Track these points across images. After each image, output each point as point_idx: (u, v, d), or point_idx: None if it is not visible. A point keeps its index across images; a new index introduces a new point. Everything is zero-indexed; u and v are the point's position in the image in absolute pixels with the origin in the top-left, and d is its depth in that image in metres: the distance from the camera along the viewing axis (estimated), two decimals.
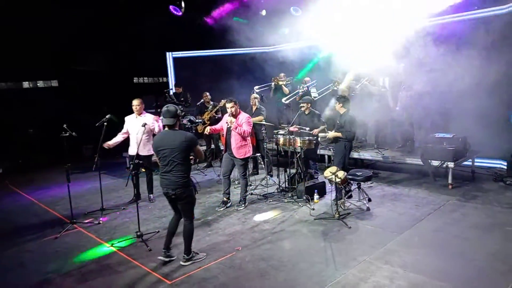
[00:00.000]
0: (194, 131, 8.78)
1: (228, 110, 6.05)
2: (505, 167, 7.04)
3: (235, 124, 5.92)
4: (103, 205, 6.25)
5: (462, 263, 4.08)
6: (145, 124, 5.96)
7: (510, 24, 7.08)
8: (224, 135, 6.25)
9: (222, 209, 6.17)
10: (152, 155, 6.19)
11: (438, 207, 5.80)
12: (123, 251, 4.83)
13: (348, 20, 7.01)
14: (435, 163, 6.86)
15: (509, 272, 3.83)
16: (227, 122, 6.05)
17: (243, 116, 6.12)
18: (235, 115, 6.03)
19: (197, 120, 7.90)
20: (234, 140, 6.02)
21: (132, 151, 6.49)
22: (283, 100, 8.93)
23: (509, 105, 7.36)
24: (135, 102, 6.46)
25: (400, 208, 5.86)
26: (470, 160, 7.40)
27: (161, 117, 4.39)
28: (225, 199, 6.28)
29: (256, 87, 8.97)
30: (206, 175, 8.67)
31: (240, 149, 6.06)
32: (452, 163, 6.62)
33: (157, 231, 5.35)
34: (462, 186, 6.79)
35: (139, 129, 6.19)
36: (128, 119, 6.56)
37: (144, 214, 6.10)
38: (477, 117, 7.14)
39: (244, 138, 6.04)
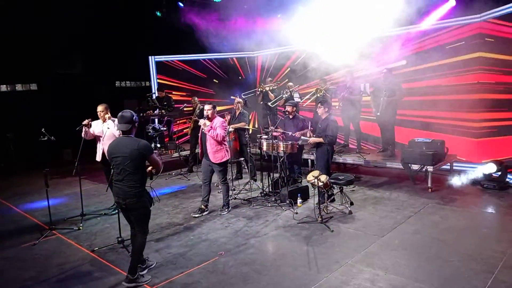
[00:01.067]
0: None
1: (205, 113, 6.00)
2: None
3: (208, 126, 5.87)
4: (83, 210, 6.13)
5: (440, 264, 4.18)
6: (108, 128, 5.88)
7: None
8: (200, 140, 6.18)
9: (197, 216, 6.06)
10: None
11: (418, 210, 5.92)
12: (104, 257, 4.74)
13: (328, 26, 7.13)
14: (415, 167, 7.02)
15: (485, 272, 3.94)
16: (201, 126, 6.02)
17: (218, 120, 6.03)
18: (210, 119, 5.96)
19: (161, 128, 7.35)
20: (210, 145, 5.94)
21: (98, 157, 6.29)
22: (270, 104, 9.01)
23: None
24: (99, 108, 6.15)
25: (381, 211, 5.96)
26: (449, 164, 7.59)
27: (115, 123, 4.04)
28: (203, 206, 6.18)
29: (243, 94, 9.01)
30: (189, 179, 8.61)
31: (216, 153, 5.95)
32: (431, 167, 6.78)
33: None
34: (441, 189, 6.96)
35: (104, 135, 6.09)
36: (94, 124, 6.21)
37: (125, 220, 5.99)
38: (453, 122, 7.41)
39: (219, 142, 5.94)
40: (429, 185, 6.87)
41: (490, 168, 6.84)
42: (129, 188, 3.92)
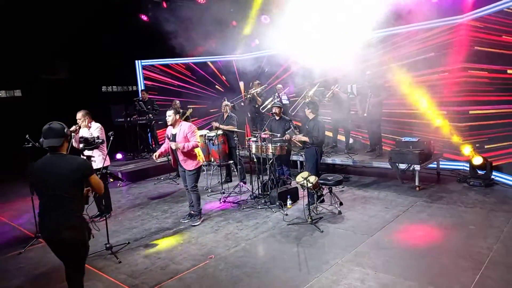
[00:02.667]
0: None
1: (166, 119, 5.71)
2: (468, 169, 7.34)
3: (180, 146, 5.54)
4: None
5: (429, 262, 4.22)
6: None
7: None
8: (170, 148, 5.82)
9: (186, 221, 5.97)
10: (98, 169, 5.45)
11: (406, 208, 5.98)
12: (91, 264, 4.66)
13: (314, 29, 7.19)
14: (403, 166, 7.09)
15: (472, 268, 3.99)
16: (168, 139, 5.77)
17: (185, 126, 5.66)
18: (173, 125, 5.70)
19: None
20: (179, 154, 5.67)
21: None
22: (261, 108, 9.00)
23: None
24: (77, 116, 6.03)
25: (370, 210, 6.00)
26: (435, 162, 7.69)
27: (41, 139, 3.33)
28: (192, 211, 6.08)
29: (229, 100, 8.97)
30: (178, 184, 8.55)
31: (188, 161, 5.70)
32: (419, 166, 6.86)
33: (127, 242, 5.22)
34: (428, 187, 7.04)
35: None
36: (81, 131, 6.12)
37: (114, 226, 5.94)
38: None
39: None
40: (417, 183, 6.94)
41: (478, 160, 6.97)
42: (66, 218, 3.13)
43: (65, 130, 3.24)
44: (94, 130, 6.02)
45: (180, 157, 5.68)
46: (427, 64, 7.98)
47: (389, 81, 8.08)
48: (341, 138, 9.03)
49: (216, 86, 11.63)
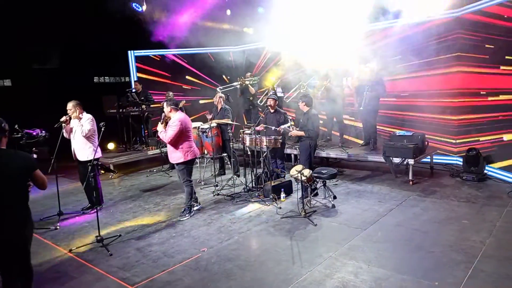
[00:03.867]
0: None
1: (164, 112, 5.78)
2: (461, 163, 7.36)
3: (159, 128, 5.66)
4: (60, 209, 5.94)
5: (422, 255, 4.22)
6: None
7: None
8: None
9: (199, 206, 6.10)
10: (89, 161, 5.62)
11: (399, 202, 5.98)
12: (82, 257, 4.60)
13: (311, 21, 7.10)
14: (396, 160, 7.08)
15: (465, 262, 3.99)
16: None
17: (174, 118, 5.62)
18: (166, 120, 5.70)
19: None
20: (168, 145, 5.72)
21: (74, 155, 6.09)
22: (258, 101, 8.92)
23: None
24: (68, 106, 5.92)
25: (364, 204, 5.99)
26: (429, 156, 7.70)
27: None
28: (193, 202, 6.04)
29: (220, 87, 8.88)
30: (171, 176, 8.48)
31: (173, 153, 5.67)
32: (412, 160, 6.85)
33: (118, 235, 5.15)
34: (422, 182, 7.05)
35: (73, 133, 5.93)
36: (72, 122, 6.03)
37: (105, 218, 5.87)
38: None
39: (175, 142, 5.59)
40: (410, 177, 6.95)
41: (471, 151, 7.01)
42: (12, 217, 3.02)
43: (3, 125, 3.15)
44: (85, 121, 5.91)
45: (168, 148, 5.72)
46: (423, 57, 7.95)
47: (386, 75, 8.03)
48: (336, 133, 9.00)
49: (209, 78, 11.50)
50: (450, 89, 7.80)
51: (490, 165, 7.03)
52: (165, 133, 5.57)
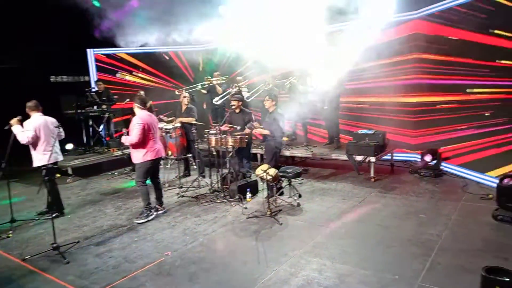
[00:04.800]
0: None
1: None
2: (419, 160, 7.66)
3: (123, 138, 5.56)
4: (13, 216, 5.59)
5: (383, 250, 4.33)
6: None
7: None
8: None
9: (161, 211, 5.93)
10: (40, 167, 5.47)
11: (362, 199, 6.13)
12: (36, 265, 4.34)
13: (272, 22, 7.12)
14: (359, 158, 7.25)
15: (423, 255, 4.14)
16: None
17: (136, 117, 5.51)
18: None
19: None
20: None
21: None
22: (214, 101, 8.84)
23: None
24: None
25: (328, 202, 6.08)
26: (390, 154, 7.96)
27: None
28: (156, 205, 5.91)
29: (186, 88, 8.75)
30: (133, 178, 8.19)
31: (134, 153, 5.56)
32: (374, 158, 7.05)
33: (76, 241, 4.91)
34: (383, 178, 7.27)
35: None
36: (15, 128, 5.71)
37: (62, 224, 5.59)
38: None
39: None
40: (372, 175, 7.14)
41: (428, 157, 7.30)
42: None
43: None
44: (27, 123, 5.61)
45: (130, 147, 5.62)
46: (381, 57, 8.20)
47: (345, 75, 8.21)
48: (300, 132, 9.10)
49: (173, 78, 11.29)
50: (408, 86, 8.10)
51: (447, 162, 7.37)
52: (127, 137, 5.43)
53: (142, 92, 8.96)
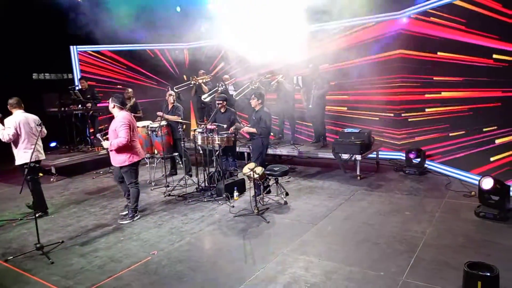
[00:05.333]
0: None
1: (110, 108, 5.39)
2: (404, 158, 7.78)
3: (106, 144, 5.25)
4: None
5: (369, 247, 4.39)
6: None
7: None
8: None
9: (125, 213, 5.68)
10: (22, 165, 5.44)
11: (348, 197, 6.19)
12: (19, 266, 4.25)
13: (259, 20, 7.12)
14: (345, 156, 7.33)
15: (408, 252, 4.22)
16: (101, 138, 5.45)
17: (119, 117, 5.28)
18: (114, 115, 5.39)
19: None
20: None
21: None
22: (202, 97, 8.80)
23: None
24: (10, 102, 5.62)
25: (315, 200, 6.13)
26: (375, 152, 8.06)
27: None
28: (128, 203, 5.73)
29: (175, 87, 8.69)
30: None
31: (116, 156, 5.33)
32: (360, 156, 7.13)
33: (61, 241, 4.82)
34: (369, 176, 7.36)
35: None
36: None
37: (46, 224, 5.49)
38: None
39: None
40: (358, 173, 7.22)
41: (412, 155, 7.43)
42: None
43: None
44: (8, 121, 5.50)
45: (109, 151, 5.37)
46: (365, 56, 8.32)
47: (330, 74, 8.29)
48: (287, 131, 9.14)
49: (159, 76, 11.19)
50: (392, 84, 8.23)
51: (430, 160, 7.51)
52: (114, 140, 5.19)
53: (130, 90, 8.85)
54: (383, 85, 8.32)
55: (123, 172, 5.45)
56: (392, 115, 8.38)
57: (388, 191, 6.43)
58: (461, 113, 6.73)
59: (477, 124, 6.34)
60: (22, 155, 5.51)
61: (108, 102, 5.41)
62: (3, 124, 5.52)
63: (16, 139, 5.50)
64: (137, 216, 5.61)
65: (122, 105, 5.45)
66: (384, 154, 8.50)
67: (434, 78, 7.26)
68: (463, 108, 6.70)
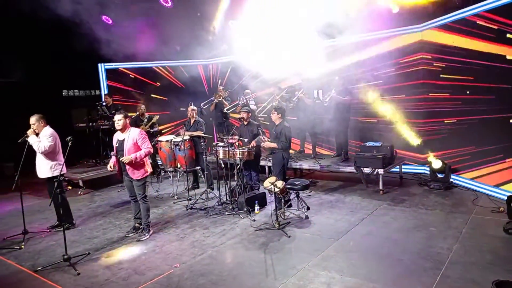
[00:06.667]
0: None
1: (116, 124, 5.37)
2: (428, 172, 7.61)
3: (131, 157, 5.20)
4: (25, 228, 5.68)
5: (392, 263, 4.30)
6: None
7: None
8: (116, 156, 5.46)
9: (131, 235, 5.62)
10: (52, 177, 5.54)
11: (370, 212, 6.10)
12: (48, 277, 4.40)
13: (279, 35, 7.26)
14: (367, 170, 7.24)
15: (433, 269, 4.11)
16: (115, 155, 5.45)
17: (135, 132, 5.37)
18: (123, 130, 5.38)
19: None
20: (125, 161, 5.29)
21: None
22: (226, 109, 8.97)
23: None
24: (31, 120, 5.71)
25: (336, 214, 6.07)
26: (398, 166, 7.93)
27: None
28: (136, 224, 5.73)
29: (202, 104, 8.88)
30: None
31: (136, 170, 5.34)
32: (382, 170, 7.04)
33: (87, 253, 4.97)
34: (392, 191, 7.23)
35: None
36: (31, 138, 5.77)
37: (73, 236, 5.67)
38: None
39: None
40: (381, 187, 7.12)
41: (437, 164, 7.24)
42: None
43: None
44: (43, 137, 5.69)
45: (127, 165, 5.32)
46: (389, 70, 8.26)
47: (354, 87, 8.29)
48: (308, 145, 9.13)
49: (182, 91, 11.45)
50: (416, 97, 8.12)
51: (456, 174, 7.31)
52: (139, 152, 5.28)
53: (143, 107, 9.12)
54: (407, 96, 8.22)
55: (138, 186, 5.42)
56: (415, 127, 8.23)
57: (412, 206, 6.30)
58: (489, 126, 6.54)
59: (506, 138, 6.14)
60: (54, 168, 5.72)
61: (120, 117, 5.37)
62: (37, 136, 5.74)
63: (51, 152, 5.71)
64: (151, 231, 5.66)
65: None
66: (408, 168, 8.34)
67: (467, 92, 7.07)
68: (491, 119, 6.49)
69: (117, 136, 5.49)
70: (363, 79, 8.43)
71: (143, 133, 5.45)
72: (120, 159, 5.28)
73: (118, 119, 5.34)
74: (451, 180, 7.23)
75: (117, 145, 5.46)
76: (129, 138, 5.34)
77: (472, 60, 6.69)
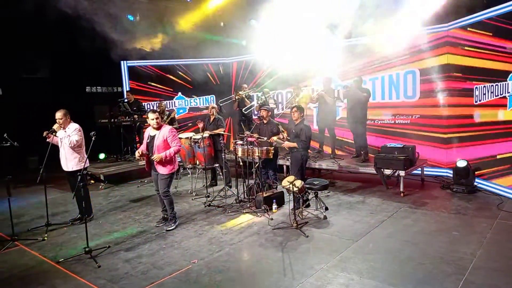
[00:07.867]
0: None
1: (150, 122, 5.51)
2: (451, 175, 7.42)
3: (162, 156, 5.36)
4: (48, 220, 5.83)
5: (413, 267, 4.21)
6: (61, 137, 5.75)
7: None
8: (147, 150, 5.61)
9: (161, 225, 5.83)
10: (76, 171, 5.71)
11: (391, 214, 5.99)
12: (69, 268, 4.50)
13: (299, 35, 7.21)
14: (388, 172, 7.11)
15: (456, 274, 4.00)
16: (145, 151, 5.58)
17: (165, 130, 5.52)
18: (157, 128, 5.54)
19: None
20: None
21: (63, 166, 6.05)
22: (244, 109, 8.99)
23: None
24: (57, 115, 5.83)
25: (356, 216, 5.99)
26: (420, 168, 7.76)
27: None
28: (165, 215, 5.93)
29: (220, 101, 8.96)
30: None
31: (165, 165, 5.49)
32: (403, 172, 6.89)
33: (107, 246, 5.06)
34: (413, 193, 7.08)
35: (61, 143, 5.88)
36: (58, 133, 5.98)
37: (94, 229, 5.78)
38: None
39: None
40: (401, 189, 6.98)
41: (462, 163, 7.03)
42: None
43: None
44: (71, 131, 5.85)
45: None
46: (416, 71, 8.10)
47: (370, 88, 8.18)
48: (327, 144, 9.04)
49: (201, 89, 11.52)
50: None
51: (480, 178, 7.10)
52: (169, 150, 5.43)
53: (164, 103, 9.27)
54: (430, 98, 8.04)
55: (163, 179, 5.56)
56: (439, 129, 8.03)
57: (434, 209, 6.15)
58: None
59: None
60: (78, 162, 5.87)
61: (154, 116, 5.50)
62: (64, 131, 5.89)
63: (79, 145, 5.89)
64: (177, 222, 5.83)
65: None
66: (430, 170, 8.15)
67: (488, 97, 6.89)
68: None
69: (149, 132, 5.65)
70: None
71: (173, 131, 5.60)
72: (151, 158, 5.47)
73: (152, 118, 5.46)
74: (475, 183, 7.02)
75: (148, 141, 5.60)
76: (160, 135, 5.49)
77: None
